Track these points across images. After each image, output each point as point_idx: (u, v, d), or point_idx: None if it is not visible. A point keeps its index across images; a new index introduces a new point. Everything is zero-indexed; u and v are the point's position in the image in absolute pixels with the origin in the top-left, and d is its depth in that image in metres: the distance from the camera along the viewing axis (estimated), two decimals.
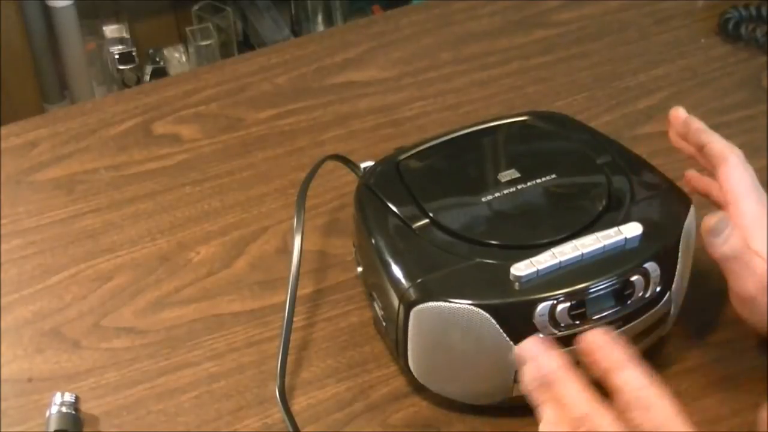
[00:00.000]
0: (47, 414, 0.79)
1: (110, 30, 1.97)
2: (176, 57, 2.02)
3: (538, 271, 0.74)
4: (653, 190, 0.82)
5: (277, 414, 0.81)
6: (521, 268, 0.74)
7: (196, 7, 1.98)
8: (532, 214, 0.80)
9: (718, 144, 0.83)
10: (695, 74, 1.08)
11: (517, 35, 1.14)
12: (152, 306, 0.89)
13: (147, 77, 1.95)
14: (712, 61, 1.10)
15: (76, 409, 0.80)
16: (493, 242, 0.77)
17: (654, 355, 0.82)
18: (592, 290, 0.74)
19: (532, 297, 0.74)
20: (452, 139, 0.87)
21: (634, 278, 0.75)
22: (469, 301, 0.73)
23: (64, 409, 0.79)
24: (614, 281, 0.75)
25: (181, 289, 0.90)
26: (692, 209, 0.80)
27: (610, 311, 0.75)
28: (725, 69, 1.09)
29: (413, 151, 0.86)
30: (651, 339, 0.81)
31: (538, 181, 0.81)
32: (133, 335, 0.87)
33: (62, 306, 0.89)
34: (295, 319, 0.86)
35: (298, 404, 0.82)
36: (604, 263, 0.75)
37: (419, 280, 0.75)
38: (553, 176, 0.82)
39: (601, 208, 0.79)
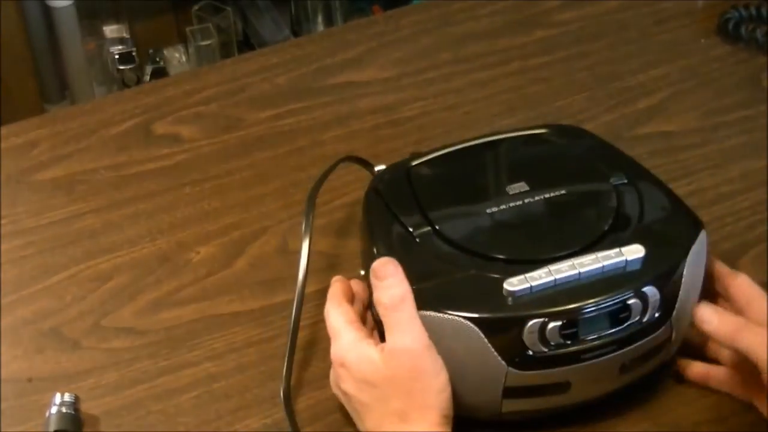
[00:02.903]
0: (47, 414, 0.79)
1: (110, 30, 1.97)
2: (176, 57, 2.02)
3: (531, 287, 0.73)
4: (663, 212, 0.80)
5: (278, 414, 0.81)
6: (514, 284, 0.73)
7: (196, 7, 1.97)
8: (535, 229, 0.79)
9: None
10: (695, 74, 1.08)
11: (517, 35, 1.14)
12: (152, 306, 0.89)
13: (147, 77, 1.95)
14: (712, 61, 1.10)
15: (76, 409, 0.80)
16: (492, 255, 0.76)
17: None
18: (585, 311, 0.73)
19: (523, 313, 0.73)
20: (467, 148, 0.86)
21: (631, 302, 0.74)
22: (459, 313, 0.73)
23: (64, 409, 0.79)
24: (610, 303, 0.74)
25: (181, 289, 0.90)
26: (703, 234, 0.79)
27: (604, 333, 0.74)
28: (725, 69, 1.09)
29: (426, 158, 0.85)
30: (651, 364, 0.79)
31: (546, 195, 0.80)
32: (133, 335, 0.87)
33: (62, 306, 0.89)
34: None
35: (298, 404, 0.82)
36: (602, 284, 0.74)
37: (413, 287, 0.75)
38: (563, 191, 0.80)
39: (606, 228, 0.77)
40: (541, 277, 0.73)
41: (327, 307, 0.79)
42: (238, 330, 0.87)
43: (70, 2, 1.81)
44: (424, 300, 0.74)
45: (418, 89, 1.08)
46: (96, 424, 0.81)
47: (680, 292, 0.76)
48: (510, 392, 0.75)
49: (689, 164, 0.98)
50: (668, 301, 0.76)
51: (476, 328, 0.73)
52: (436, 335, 0.73)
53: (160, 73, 1.96)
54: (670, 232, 0.79)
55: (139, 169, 1.01)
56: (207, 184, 0.99)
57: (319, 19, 2.01)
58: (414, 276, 0.75)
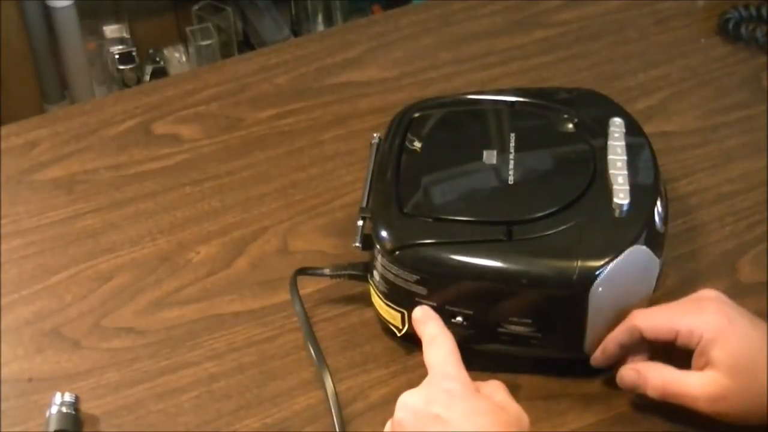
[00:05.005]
0: (47, 414, 0.79)
1: (110, 30, 1.97)
2: (176, 57, 2.02)
3: None
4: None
5: (277, 414, 0.81)
6: None
7: (196, 7, 1.97)
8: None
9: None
10: (695, 74, 1.08)
11: (517, 35, 1.14)
12: (152, 306, 0.89)
13: (147, 77, 1.95)
14: (712, 61, 1.10)
15: (76, 409, 0.80)
16: None
17: None
18: None
19: None
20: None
21: None
22: None
23: (64, 409, 0.79)
24: None
25: (181, 289, 0.90)
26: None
27: None
28: (725, 69, 1.09)
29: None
30: None
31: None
32: (133, 335, 0.87)
33: (62, 306, 0.89)
34: (294, 319, 0.87)
35: (298, 404, 0.82)
36: None
37: None
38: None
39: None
40: None
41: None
42: (239, 330, 0.87)
43: (70, 2, 1.81)
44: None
45: (418, 89, 1.08)
46: (96, 424, 0.81)
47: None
48: None
49: (689, 164, 0.98)
50: None
51: None
52: None
53: (160, 73, 1.96)
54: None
55: (139, 169, 1.01)
56: (207, 184, 0.99)
57: (319, 19, 2.01)
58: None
